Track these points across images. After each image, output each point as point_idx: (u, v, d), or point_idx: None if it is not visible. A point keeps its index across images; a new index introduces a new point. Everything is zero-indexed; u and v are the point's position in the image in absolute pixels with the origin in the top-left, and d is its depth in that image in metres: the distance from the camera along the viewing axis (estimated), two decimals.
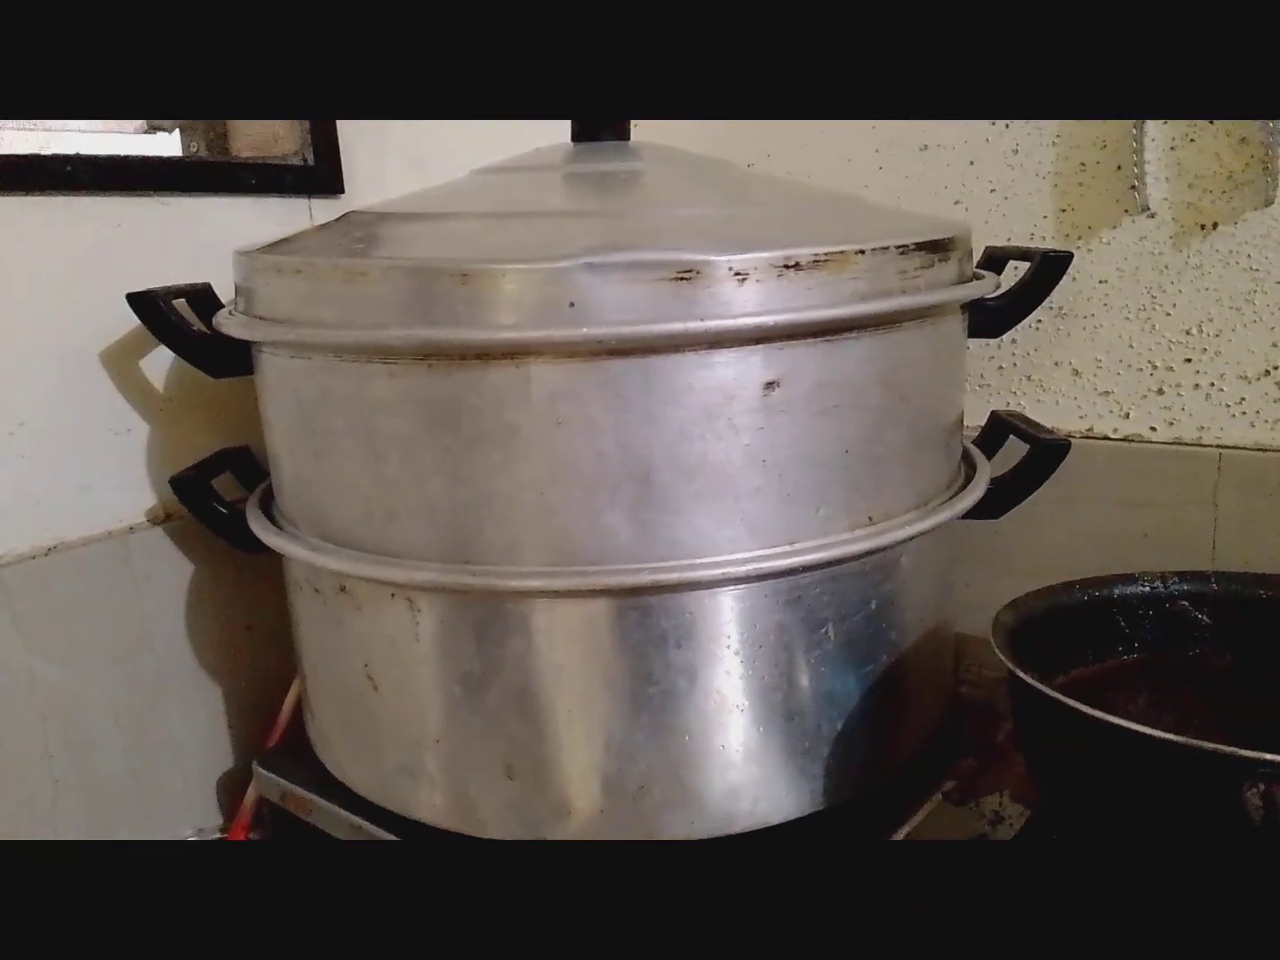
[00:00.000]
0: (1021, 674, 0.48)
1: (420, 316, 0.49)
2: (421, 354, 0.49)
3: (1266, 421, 0.73)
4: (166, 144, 0.83)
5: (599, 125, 0.64)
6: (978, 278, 0.62)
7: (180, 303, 0.66)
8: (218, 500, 0.67)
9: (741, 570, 0.52)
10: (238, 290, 0.60)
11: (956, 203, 0.83)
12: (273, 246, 0.59)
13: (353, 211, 0.63)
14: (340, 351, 0.52)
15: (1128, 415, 0.79)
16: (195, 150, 0.83)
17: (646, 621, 0.52)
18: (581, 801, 0.55)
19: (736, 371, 0.50)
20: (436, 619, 0.53)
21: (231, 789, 0.80)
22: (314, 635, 0.62)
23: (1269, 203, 0.70)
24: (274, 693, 0.79)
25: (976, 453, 0.67)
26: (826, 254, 0.50)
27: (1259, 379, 0.73)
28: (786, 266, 0.49)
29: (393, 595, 0.54)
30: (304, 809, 0.67)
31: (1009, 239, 0.81)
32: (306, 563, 0.57)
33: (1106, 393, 0.79)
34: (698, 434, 0.50)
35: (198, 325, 0.65)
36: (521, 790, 0.55)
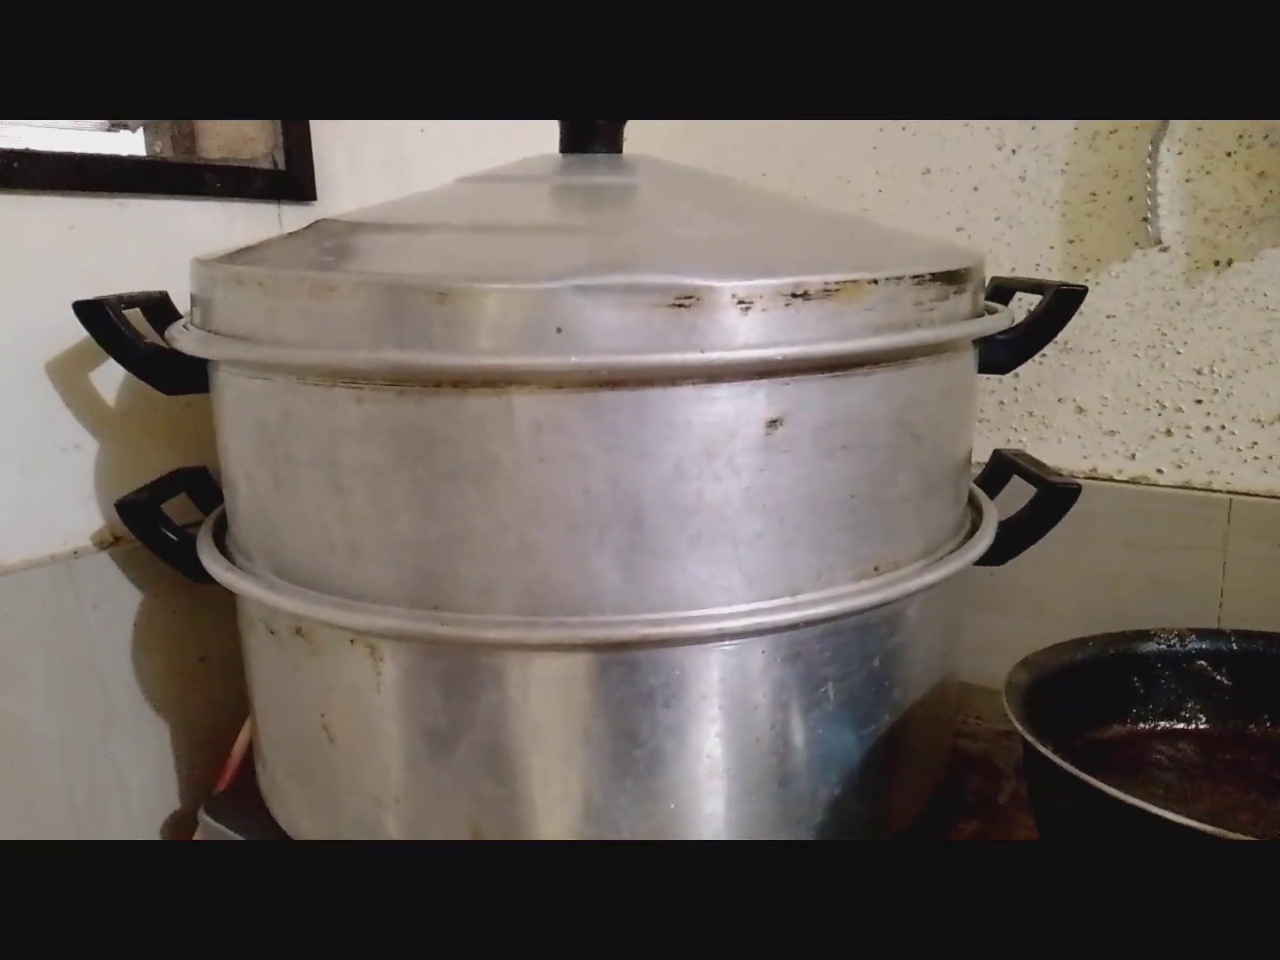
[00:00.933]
0: (1044, 749, 0.44)
1: (392, 338, 0.44)
2: (393, 379, 0.45)
3: None
4: (129, 143, 0.78)
5: (589, 131, 0.60)
6: (990, 311, 0.58)
7: (136, 313, 0.62)
8: (168, 526, 0.62)
9: (739, 625, 0.47)
10: (194, 302, 0.56)
11: (959, 229, 0.79)
12: (234, 255, 0.54)
13: (323, 220, 0.59)
14: (304, 373, 0.47)
15: (1134, 456, 0.75)
16: (160, 150, 0.79)
17: (633, 678, 0.47)
18: None
19: (737, 407, 0.46)
20: (401, 668, 0.49)
21: (179, 833, 0.75)
22: (267, 679, 0.57)
23: None
24: (228, 729, 0.74)
25: (982, 496, 0.64)
26: (839, 282, 0.46)
27: (1273, 423, 0.70)
28: (795, 295, 0.45)
29: (353, 641, 0.49)
30: None
31: (1013, 269, 0.77)
32: (261, 602, 0.52)
33: (1112, 432, 0.76)
34: (694, 473, 0.46)
35: (151, 338, 0.60)
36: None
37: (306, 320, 0.46)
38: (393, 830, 0.52)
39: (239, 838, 0.62)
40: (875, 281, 0.47)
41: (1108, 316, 0.75)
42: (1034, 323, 0.61)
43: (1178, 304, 0.72)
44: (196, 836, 0.69)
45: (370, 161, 0.80)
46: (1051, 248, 0.76)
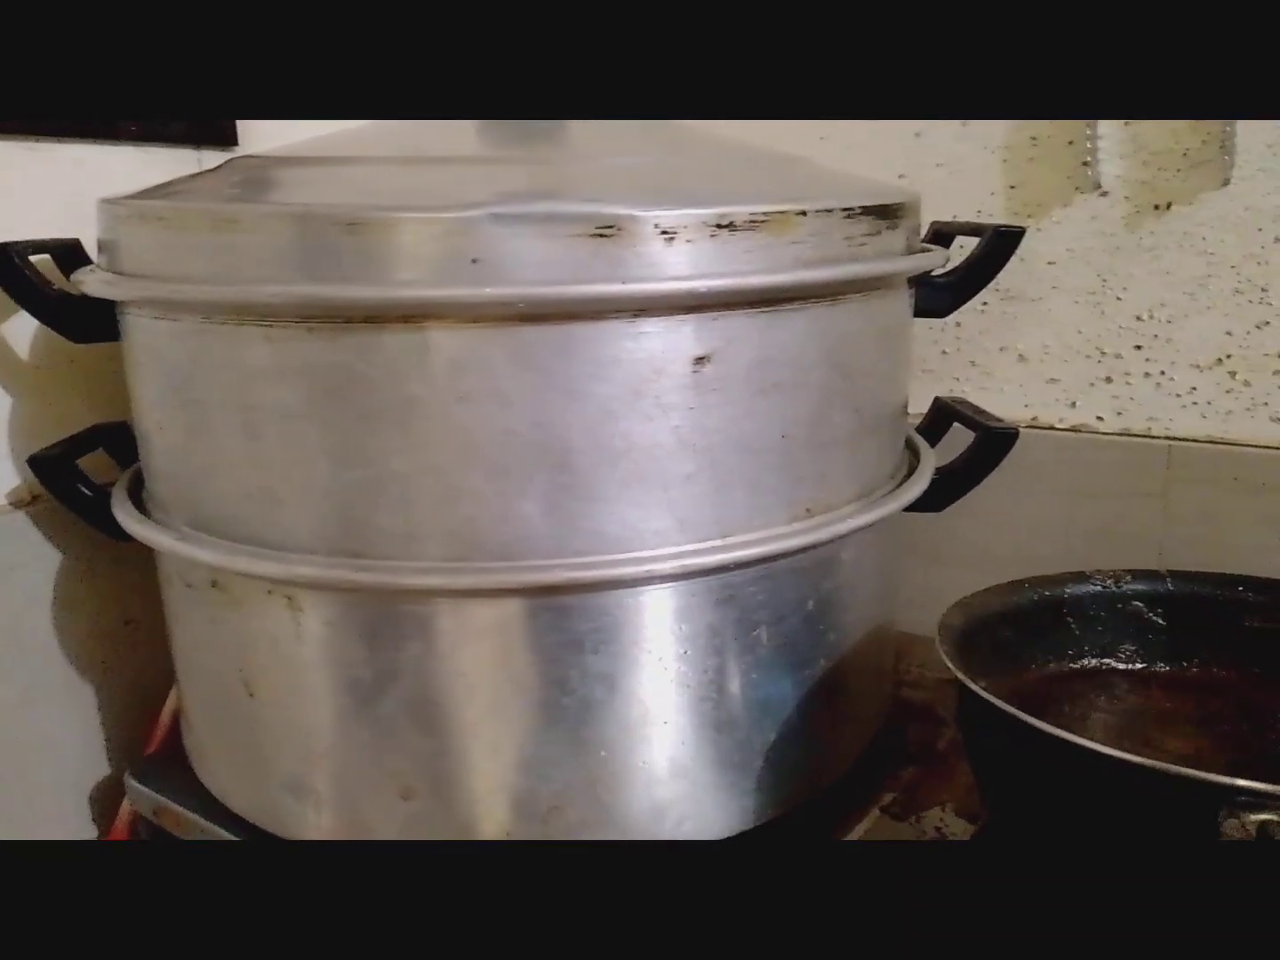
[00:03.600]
0: (974, 687, 0.43)
1: (301, 271, 0.42)
2: (303, 315, 0.43)
3: (1219, 413, 0.70)
4: None
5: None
6: (926, 250, 0.57)
7: (48, 261, 0.59)
8: (84, 482, 0.60)
9: (669, 567, 0.46)
10: (101, 245, 0.53)
11: (901, 176, 0.78)
12: (141, 194, 0.52)
13: (238, 157, 0.56)
14: (210, 311, 0.45)
15: (1075, 404, 0.75)
16: None
17: (561, 623, 0.46)
18: (487, 824, 0.49)
19: (665, 343, 0.44)
20: (321, 619, 0.47)
21: (107, 799, 0.73)
22: (187, 635, 0.55)
23: (1226, 183, 0.67)
24: (157, 693, 0.72)
25: (920, 441, 0.63)
26: (765, 214, 0.45)
27: (1211, 368, 0.70)
28: (720, 226, 0.44)
29: (270, 592, 0.47)
30: (181, 826, 0.60)
31: (956, 215, 0.76)
32: (174, 554, 0.50)
33: (1054, 380, 0.76)
34: (622, 413, 0.45)
35: (61, 284, 0.57)
36: (419, 811, 0.49)
37: (212, 256, 0.44)
38: (321, 787, 0.51)
39: (165, 801, 0.60)
40: (804, 213, 0.46)
41: (1049, 263, 0.74)
42: (972, 265, 0.61)
43: (1118, 249, 0.72)
44: (125, 802, 0.68)
45: None
46: (993, 194, 0.75)
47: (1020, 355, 0.76)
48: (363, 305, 0.42)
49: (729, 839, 0.51)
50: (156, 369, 0.50)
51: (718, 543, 0.47)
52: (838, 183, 0.56)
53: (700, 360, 0.45)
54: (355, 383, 0.43)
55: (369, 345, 0.43)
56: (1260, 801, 0.35)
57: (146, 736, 0.71)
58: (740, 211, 0.44)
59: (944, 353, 0.79)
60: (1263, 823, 0.34)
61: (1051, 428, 0.76)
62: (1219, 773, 0.37)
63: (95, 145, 0.69)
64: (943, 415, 0.67)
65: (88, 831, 0.73)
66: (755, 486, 0.48)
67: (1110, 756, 0.38)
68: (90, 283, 0.51)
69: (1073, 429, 0.75)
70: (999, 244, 0.60)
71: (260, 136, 0.75)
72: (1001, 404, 0.77)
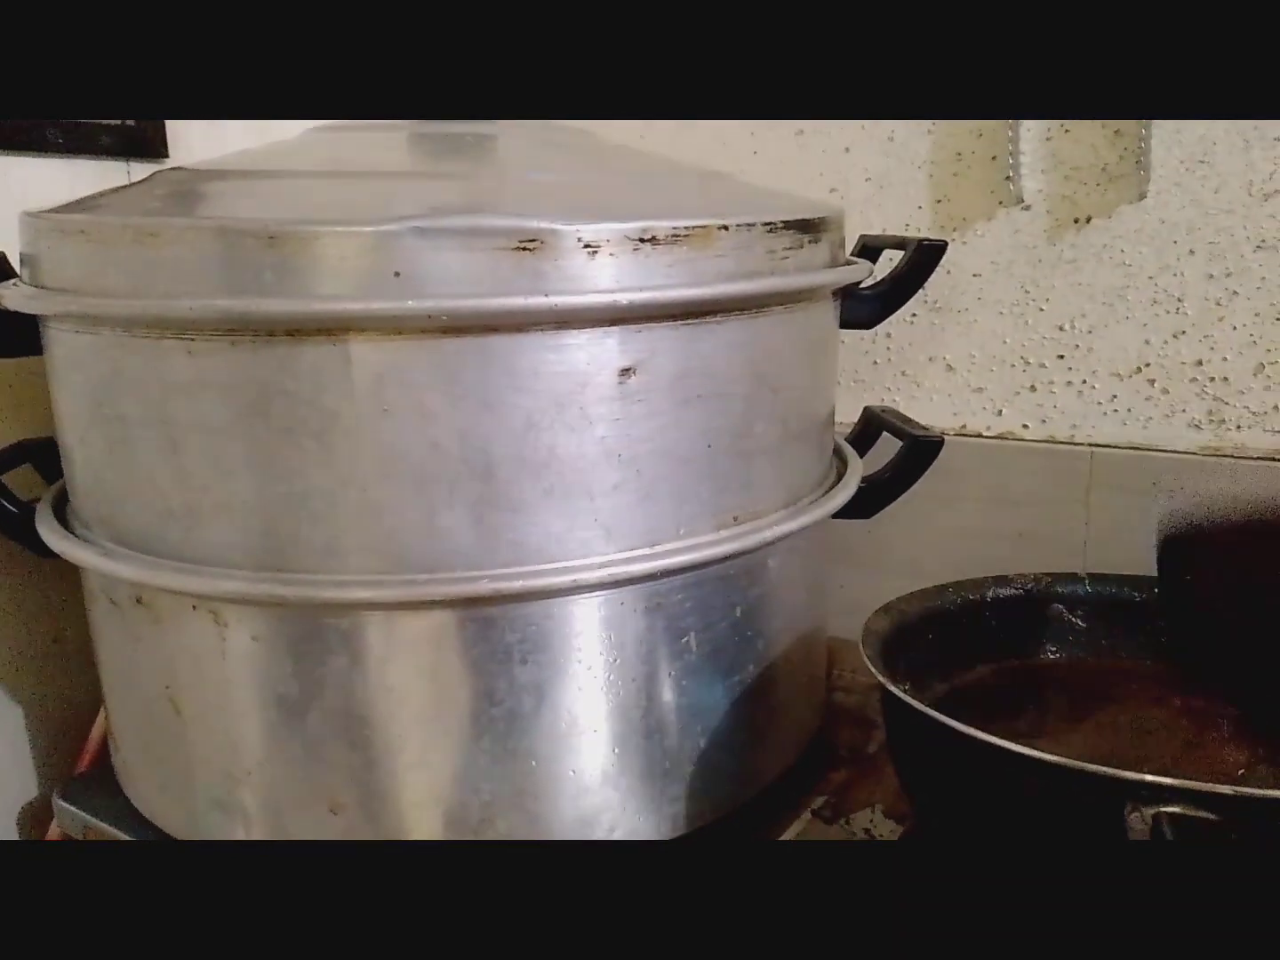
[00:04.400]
0: (893, 688, 0.44)
1: (223, 285, 0.42)
2: (224, 328, 0.43)
3: (1138, 420, 0.72)
4: None
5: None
6: (851, 264, 0.59)
7: None
8: (8, 498, 0.59)
9: (596, 576, 0.47)
10: (23, 258, 0.52)
11: (832, 190, 0.80)
12: (64, 207, 0.51)
13: (164, 170, 0.56)
14: (130, 325, 0.45)
15: (1000, 412, 0.77)
16: None
17: (488, 634, 0.46)
18: (416, 836, 0.49)
19: (589, 355, 0.45)
20: (246, 635, 0.47)
21: (36, 820, 0.71)
22: (112, 653, 0.54)
23: (1142, 196, 0.69)
24: (86, 712, 0.71)
25: (848, 449, 0.64)
26: (688, 228, 0.45)
27: (1131, 376, 0.72)
28: (643, 240, 0.44)
29: (195, 607, 0.47)
30: None
31: (884, 228, 0.78)
32: (96, 570, 0.50)
33: (980, 389, 0.77)
34: (546, 424, 0.45)
35: None
36: (348, 826, 0.48)
37: (132, 269, 0.44)
38: (250, 805, 0.50)
39: (94, 820, 0.59)
40: (726, 228, 0.46)
41: (974, 275, 0.76)
42: (897, 277, 0.62)
43: (1040, 261, 0.74)
44: (53, 824, 0.66)
45: None
46: (920, 208, 0.77)
47: (948, 365, 0.78)
48: (283, 319, 0.42)
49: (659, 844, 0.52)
50: (77, 383, 0.49)
51: (645, 551, 0.48)
52: (761, 198, 0.57)
53: (625, 372, 0.46)
54: (277, 397, 0.43)
55: (290, 359, 0.43)
56: (1161, 795, 0.36)
57: (76, 756, 0.70)
58: (663, 226, 0.45)
59: (875, 363, 0.81)
60: (1155, 814, 0.35)
61: (979, 435, 0.78)
62: (1131, 769, 0.38)
63: (21, 157, 0.68)
64: (872, 424, 0.69)
65: None
66: (681, 495, 0.48)
67: (1021, 754, 0.39)
68: (11, 297, 0.50)
69: (999, 436, 0.77)
70: (923, 256, 0.62)
71: (191, 148, 0.75)
72: (931, 413, 0.79)
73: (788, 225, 0.49)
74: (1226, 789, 0.36)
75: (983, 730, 0.41)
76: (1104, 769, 0.37)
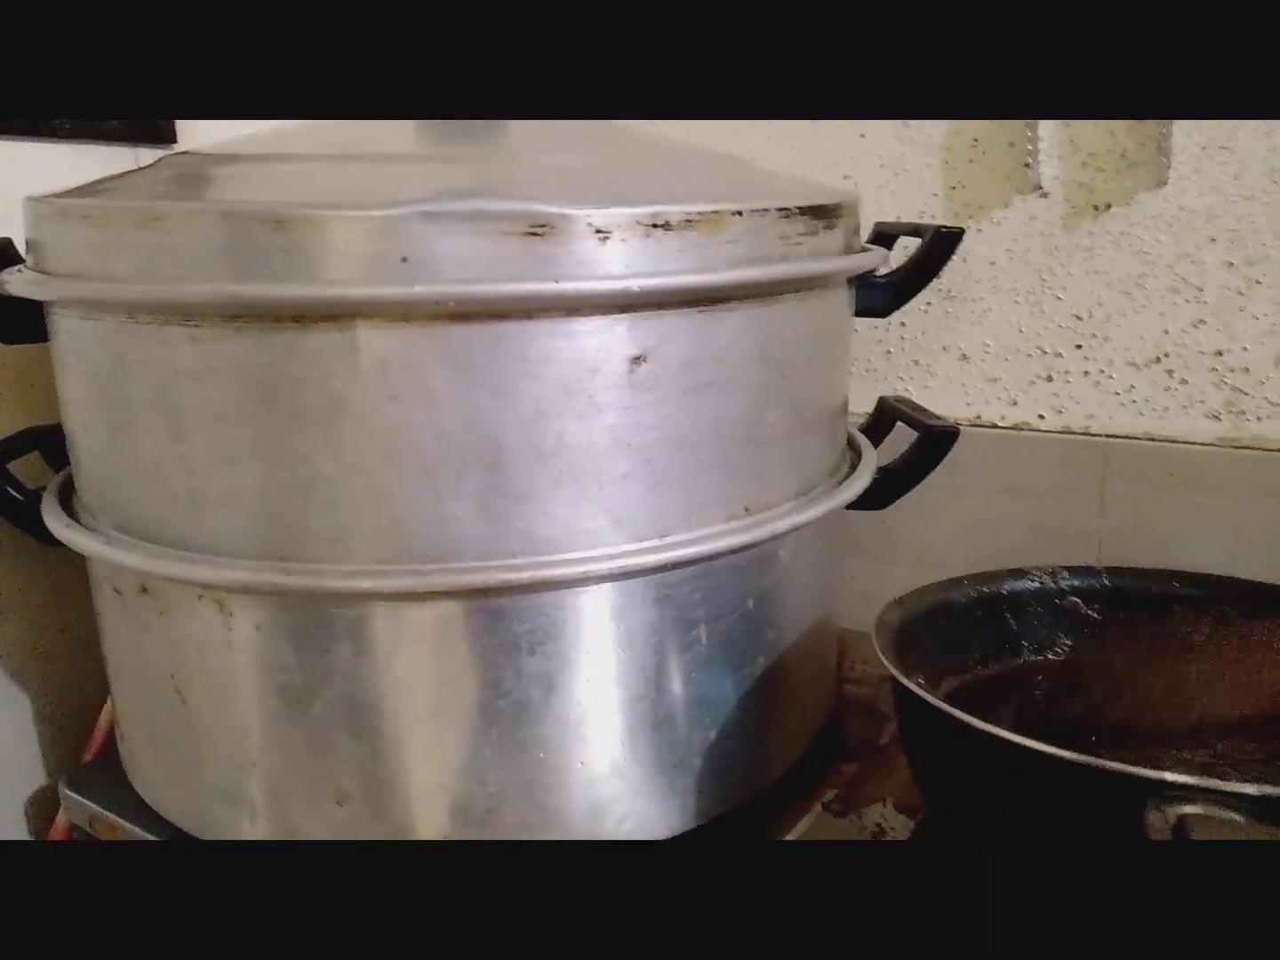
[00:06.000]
0: (908, 683, 0.43)
1: (228, 270, 0.42)
2: (230, 314, 0.42)
3: (1155, 410, 0.71)
4: None
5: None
6: (866, 250, 0.58)
7: None
8: (14, 486, 0.58)
9: (605, 567, 0.46)
10: (28, 244, 0.52)
11: (846, 177, 0.79)
12: (68, 192, 0.51)
13: (171, 154, 0.55)
14: (135, 311, 0.44)
15: (1015, 402, 0.76)
16: None
17: (496, 625, 0.46)
18: (423, 827, 0.48)
19: (599, 342, 0.44)
20: (251, 624, 0.46)
21: (43, 809, 0.71)
22: (118, 642, 0.54)
23: (1162, 184, 0.68)
24: (93, 701, 0.71)
25: (862, 439, 0.63)
26: (700, 213, 0.44)
27: (1148, 366, 0.71)
28: (655, 225, 0.43)
29: (200, 597, 0.46)
30: (115, 835, 0.58)
31: (899, 216, 0.77)
32: (101, 559, 0.49)
33: (994, 379, 0.76)
34: (555, 412, 0.44)
35: None
36: (353, 816, 0.48)
37: (136, 254, 0.43)
38: (255, 794, 0.50)
39: (100, 810, 0.59)
40: (739, 213, 0.46)
41: (990, 263, 0.75)
42: (913, 265, 0.61)
43: (1057, 249, 0.72)
44: (60, 813, 0.66)
45: None
46: (935, 195, 0.76)
47: (963, 354, 0.77)
48: (290, 304, 0.41)
49: (671, 839, 0.51)
50: (82, 370, 0.49)
51: (655, 542, 0.47)
52: (774, 183, 0.56)
53: (636, 360, 0.45)
54: (283, 383, 0.43)
55: (297, 345, 0.42)
56: (1184, 795, 0.36)
57: (82, 745, 0.70)
58: (674, 211, 0.44)
59: (889, 352, 0.80)
60: (1181, 816, 0.34)
61: (993, 426, 0.77)
62: (1149, 766, 0.37)
63: (28, 143, 0.67)
64: (886, 415, 0.68)
65: None
66: (692, 485, 0.48)
67: (1038, 751, 0.38)
68: (15, 283, 0.49)
69: (1014, 427, 0.76)
70: (939, 244, 0.61)
71: (200, 134, 0.74)
72: (945, 403, 0.78)
73: (802, 211, 0.48)
74: (1251, 788, 0.35)
75: (997, 725, 0.40)
76: (1124, 767, 0.36)
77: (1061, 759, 0.37)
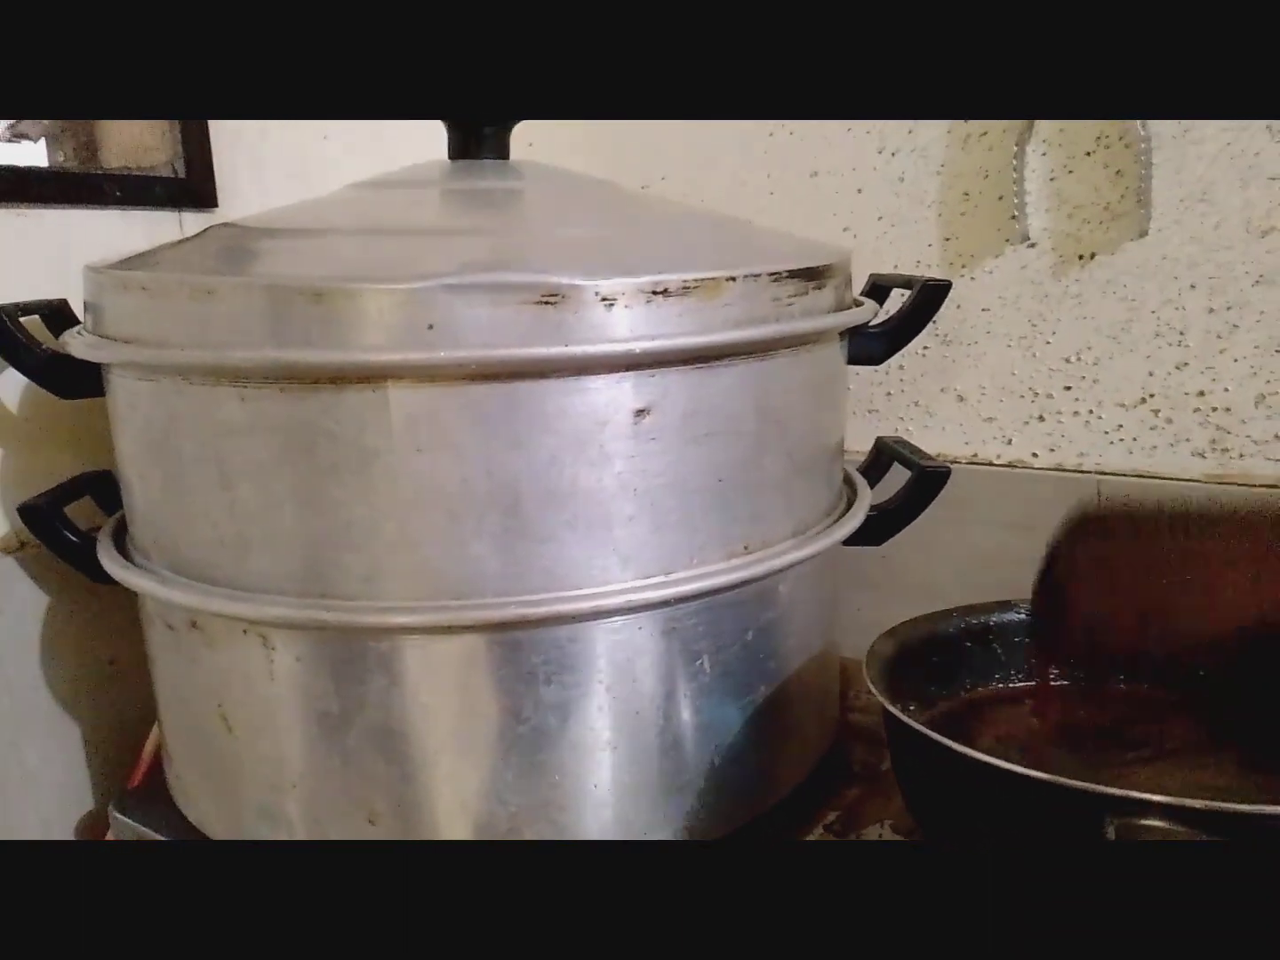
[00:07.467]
0: (891, 707, 0.47)
1: (271, 337, 0.46)
2: (273, 376, 0.47)
3: (1143, 448, 0.75)
4: (31, 153, 0.79)
5: (476, 138, 0.62)
6: (858, 304, 0.62)
7: (36, 321, 0.63)
8: (70, 529, 0.63)
9: (614, 602, 0.50)
10: (87, 308, 0.57)
11: (846, 229, 0.83)
12: (125, 261, 0.56)
13: (216, 225, 0.60)
14: (188, 373, 0.49)
15: (1010, 441, 0.80)
16: (62, 160, 0.79)
17: (514, 657, 0.50)
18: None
19: (607, 398, 0.48)
20: (292, 656, 0.51)
21: (92, 831, 0.75)
22: (167, 673, 0.58)
23: (1143, 234, 0.72)
24: (139, 730, 0.75)
25: (859, 479, 0.67)
26: (697, 280, 0.49)
27: (1135, 406, 0.75)
28: (655, 292, 0.48)
29: (245, 631, 0.51)
30: None
31: (896, 265, 0.81)
32: (155, 597, 0.54)
33: (990, 419, 0.80)
34: (569, 460, 0.49)
35: (49, 344, 0.61)
36: (385, 834, 0.52)
37: (189, 323, 0.48)
38: (294, 814, 0.54)
39: (148, 831, 0.63)
40: (733, 279, 0.50)
41: (983, 310, 0.79)
42: (904, 315, 0.65)
43: (1046, 296, 0.76)
44: (109, 834, 0.70)
45: (272, 168, 0.82)
46: (930, 245, 0.80)
47: (959, 396, 0.81)
48: (328, 368, 0.46)
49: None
50: (138, 424, 0.53)
51: (660, 579, 0.51)
52: (770, 246, 0.61)
53: (640, 413, 0.49)
54: (321, 437, 0.47)
55: (334, 403, 0.47)
56: (1139, 809, 0.39)
57: (129, 771, 0.74)
58: (674, 279, 0.48)
59: (889, 394, 0.84)
60: (1132, 826, 0.37)
61: (990, 463, 0.80)
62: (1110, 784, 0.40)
63: (80, 210, 0.72)
64: (883, 454, 0.72)
65: None
66: (694, 526, 0.52)
67: (1005, 770, 0.41)
68: (76, 345, 0.55)
69: (1009, 464, 0.80)
70: (928, 296, 0.65)
71: (239, 198, 0.80)
72: (943, 442, 0.82)
73: (792, 274, 0.53)
74: (1198, 803, 0.38)
75: (973, 748, 0.44)
76: (1083, 784, 0.40)
77: (1026, 776, 0.41)
